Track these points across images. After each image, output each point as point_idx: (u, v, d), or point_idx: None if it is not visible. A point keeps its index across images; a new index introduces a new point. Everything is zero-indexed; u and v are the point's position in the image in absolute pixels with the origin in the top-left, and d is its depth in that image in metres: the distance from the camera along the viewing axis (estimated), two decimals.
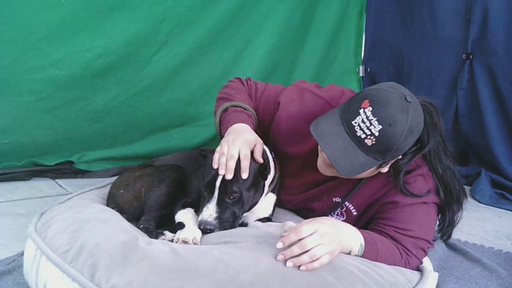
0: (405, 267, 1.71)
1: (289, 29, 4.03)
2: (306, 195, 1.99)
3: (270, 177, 1.89)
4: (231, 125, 1.82)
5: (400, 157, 1.69)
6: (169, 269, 1.39)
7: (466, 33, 3.62)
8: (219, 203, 1.71)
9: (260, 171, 1.78)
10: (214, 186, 1.70)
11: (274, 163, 1.95)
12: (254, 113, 1.98)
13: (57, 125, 3.17)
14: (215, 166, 1.70)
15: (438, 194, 1.79)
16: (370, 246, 1.65)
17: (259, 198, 1.85)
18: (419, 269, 1.76)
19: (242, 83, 2.10)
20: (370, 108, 1.54)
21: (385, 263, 1.65)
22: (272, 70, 4.00)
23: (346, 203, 1.89)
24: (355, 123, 1.55)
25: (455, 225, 1.88)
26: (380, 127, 1.52)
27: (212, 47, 3.63)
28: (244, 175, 1.69)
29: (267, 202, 1.95)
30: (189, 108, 3.59)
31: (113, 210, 1.84)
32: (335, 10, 4.32)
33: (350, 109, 1.59)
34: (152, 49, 3.38)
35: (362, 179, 1.82)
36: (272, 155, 1.95)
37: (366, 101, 1.55)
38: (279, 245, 1.48)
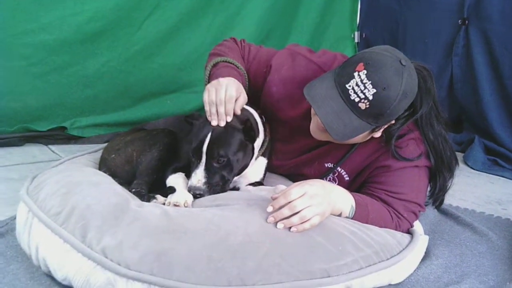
0: (396, 230, 1.72)
1: None
2: (297, 161, 1.99)
3: (259, 141, 1.89)
4: (218, 78, 1.81)
5: (393, 122, 1.68)
6: (160, 230, 1.40)
7: None
8: (207, 168, 1.71)
9: (246, 134, 1.77)
10: (201, 151, 1.70)
11: (264, 127, 1.94)
12: (245, 73, 1.96)
13: (48, 91, 3.12)
14: (208, 118, 1.73)
15: (429, 158, 1.80)
16: (360, 208, 1.65)
17: (249, 162, 1.85)
18: (409, 232, 1.78)
19: (236, 43, 2.07)
20: (365, 71, 1.52)
21: (375, 225, 1.66)
22: (266, 36, 3.93)
23: (338, 168, 1.89)
24: (349, 86, 1.54)
25: (446, 192, 1.87)
26: (374, 90, 1.51)
27: (205, 11, 3.56)
28: (228, 118, 1.72)
29: (258, 166, 1.95)
30: (181, 73, 3.55)
31: (104, 174, 1.85)
32: None
33: (344, 72, 1.57)
34: (143, 13, 3.31)
35: (354, 144, 1.81)
36: (262, 119, 1.95)
37: (361, 64, 1.54)
38: (269, 208, 1.49)
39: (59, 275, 1.44)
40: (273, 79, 1.94)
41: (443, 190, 1.86)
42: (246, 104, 1.91)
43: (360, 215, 1.65)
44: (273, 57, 1.98)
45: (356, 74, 1.53)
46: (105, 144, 2.17)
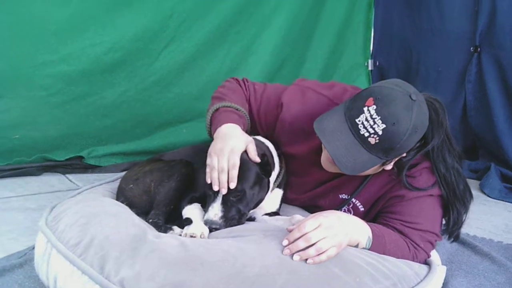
0: (413, 260, 1.71)
1: (297, 23, 4.03)
2: (312, 194, 1.99)
3: (274, 174, 1.90)
4: (220, 126, 1.82)
5: (404, 154, 1.68)
6: (178, 261, 1.40)
7: (474, 25, 3.60)
8: (224, 202, 1.71)
9: (262, 168, 1.78)
10: None
11: (280, 158, 1.96)
12: (246, 114, 1.96)
13: (67, 120, 3.20)
14: (208, 181, 1.71)
15: (435, 185, 1.77)
16: (377, 239, 1.65)
17: (265, 195, 1.85)
18: (427, 262, 1.76)
19: (239, 84, 2.06)
20: (374, 107, 1.52)
21: (392, 256, 1.65)
22: (281, 65, 4.00)
23: (353, 199, 1.89)
24: (359, 121, 1.54)
25: (461, 226, 1.84)
26: (384, 126, 1.51)
27: (220, 42, 3.65)
28: (232, 185, 1.67)
29: (274, 197, 1.95)
30: (197, 103, 3.60)
31: (122, 204, 1.86)
32: (343, 3, 4.33)
33: (354, 107, 1.58)
34: (160, 44, 3.40)
35: (368, 175, 1.81)
36: (276, 151, 1.96)
37: (371, 99, 1.54)
38: (285, 242, 1.48)
39: None
40: (285, 116, 1.95)
41: (457, 224, 1.82)
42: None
43: (377, 246, 1.64)
44: (283, 94, 1.97)
45: (365, 109, 1.54)
46: (122, 174, 2.19)
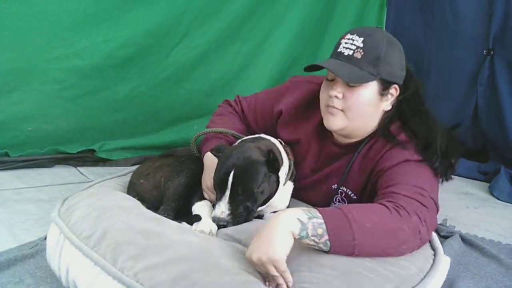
0: (399, 221, 1.52)
1: (309, 22, 4.04)
2: (307, 182, 2.03)
3: (284, 168, 1.90)
4: (203, 156, 2.04)
5: (397, 88, 1.81)
6: (188, 256, 1.42)
7: (488, 28, 3.58)
8: (231, 200, 1.73)
9: (270, 165, 1.78)
10: (225, 185, 1.72)
11: (286, 152, 1.97)
12: (229, 131, 2.11)
13: (79, 114, 3.22)
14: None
15: (417, 152, 1.75)
16: (331, 218, 1.46)
17: (274, 192, 1.85)
18: (433, 248, 1.71)
19: (230, 104, 2.29)
20: (348, 33, 1.78)
21: (370, 224, 1.48)
22: (292, 63, 4.01)
23: (344, 188, 1.92)
24: (341, 47, 1.76)
25: (445, 158, 1.77)
26: (362, 39, 1.73)
27: (233, 39, 3.66)
28: None
29: (284, 192, 1.95)
30: (208, 99, 3.60)
31: (134, 198, 1.88)
32: (356, 3, 4.33)
33: (335, 47, 1.81)
34: (173, 40, 3.42)
35: (351, 159, 1.87)
36: (282, 144, 1.99)
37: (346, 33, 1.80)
38: None
39: None
40: (285, 108, 2.08)
41: (436, 154, 1.75)
42: (266, 134, 2.01)
43: (339, 224, 1.45)
44: (278, 91, 2.16)
45: (342, 39, 1.79)
46: (133, 168, 2.21)
